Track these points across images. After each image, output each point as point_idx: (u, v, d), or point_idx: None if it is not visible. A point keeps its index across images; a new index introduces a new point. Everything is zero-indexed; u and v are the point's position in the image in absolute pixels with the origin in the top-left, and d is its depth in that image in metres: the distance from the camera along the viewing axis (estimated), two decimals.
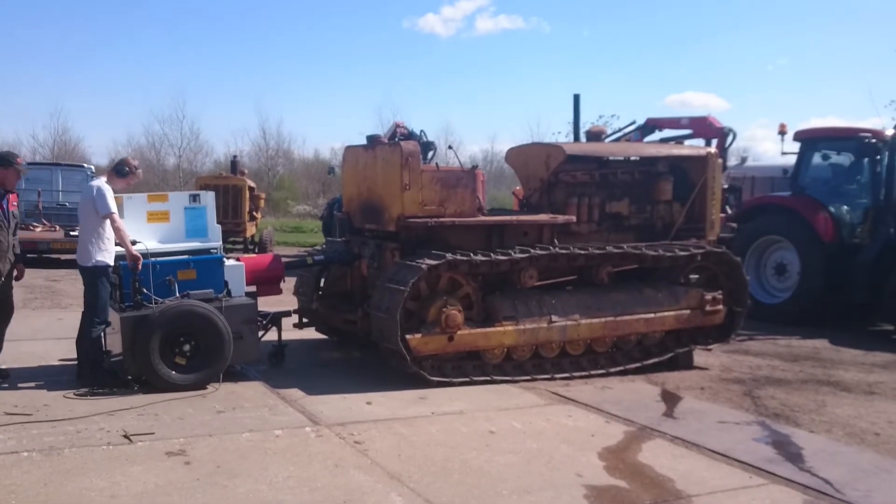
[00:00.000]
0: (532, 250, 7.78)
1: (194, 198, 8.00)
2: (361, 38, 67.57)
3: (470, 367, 7.61)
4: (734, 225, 13.05)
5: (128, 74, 64.78)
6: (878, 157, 11.59)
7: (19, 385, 7.05)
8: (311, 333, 9.17)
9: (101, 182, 7.19)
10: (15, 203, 7.36)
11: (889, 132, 11.66)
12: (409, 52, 69.31)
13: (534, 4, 69.71)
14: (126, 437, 5.64)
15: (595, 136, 10.37)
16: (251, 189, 20.97)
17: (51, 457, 5.23)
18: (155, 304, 7.00)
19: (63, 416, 6.11)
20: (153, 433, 5.74)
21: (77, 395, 6.73)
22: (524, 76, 67.37)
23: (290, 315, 8.62)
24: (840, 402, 7.45)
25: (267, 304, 8.17)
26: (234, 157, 24.35)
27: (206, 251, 7.68)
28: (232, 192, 19.96)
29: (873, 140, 11.58)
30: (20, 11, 61.69)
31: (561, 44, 67.03)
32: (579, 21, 68.38)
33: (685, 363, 8.62)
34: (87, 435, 5.68)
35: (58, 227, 17.70)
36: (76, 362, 7.38)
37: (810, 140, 12.52)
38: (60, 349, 8.30)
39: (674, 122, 14.92)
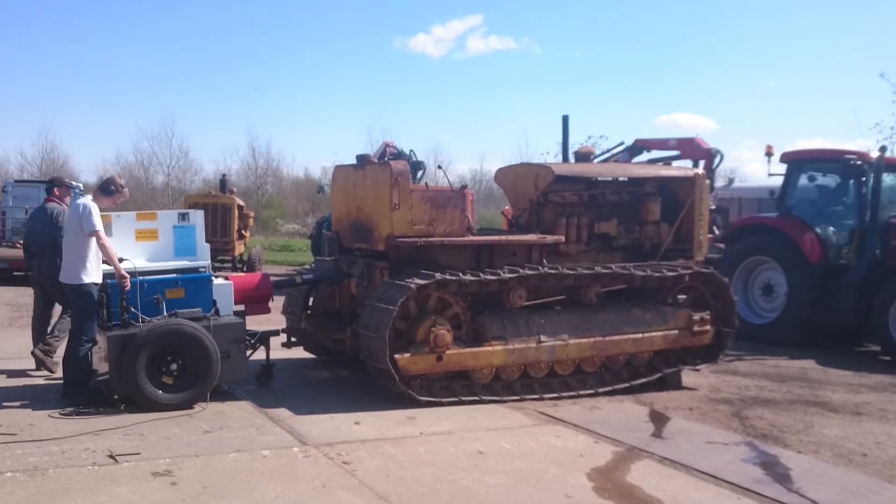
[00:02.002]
0: (521, 270, 7.80)
1: (183, 216, 7.99)
2: (352, 58, 67.79)
3: (459, 387, 7.59)
4: (722, 246, 13.12)
5: (116, 92, 64.70)
6: (864, 178, 11.69)
7: (4, 404, 6.99)
8: (299, 353, 9.14)
9: (87, 200, 7.17)
10: None
11: (874, 154, 11.77)
12: (400, 72, 69.56)
13: (525, 26, 70.12)
14: (111, 457, 5.59)
15: (584, 156, 10.43)
16: (240, 207, 20.94)
17: (35, 477, 5.18)
18: (142, 322, 6.97)
19: (48, 435, 6.06)
20: (139, 453, 5.69)
21: (62, 414, 6.68)
22: (514, 97, 67.73)
23: (279, 334, 8.59)
24: (828, 422, 7.47)
25: (255, 324, 8.14)
26: (224, 175, 24.40)
27: (195, 270, 7.66)
28: (221, 210, 19.93)
29: (859, 162, 11.70)
30: (8, 29, 61.70)
31: (552, 65, 67.51)
32: (571, 42, 68.94)
33: (673, 383, 8.63)
34: (72, 455, 5.63)
35: None
36: (62, 381, 7.32)
37: (796, 162, 12.63)
38: None
39: (662, 144, 15.04)
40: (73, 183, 21.56)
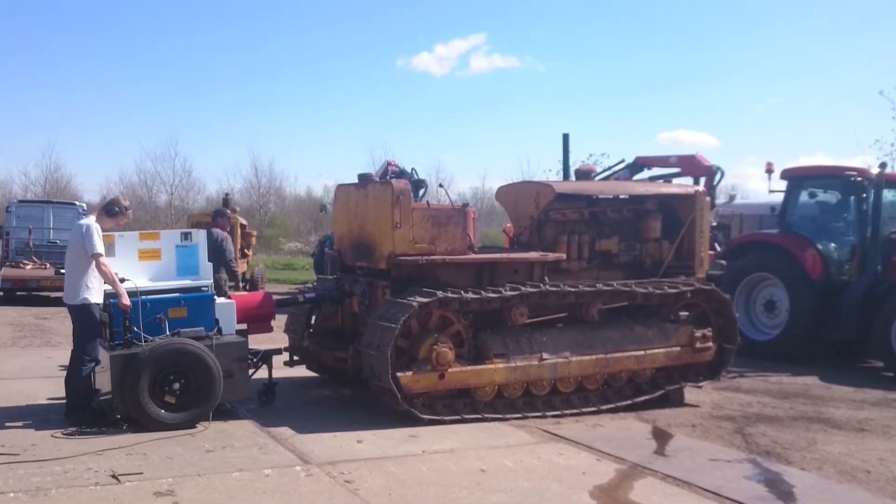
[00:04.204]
0: (522, 288, 7.82)
1: (186, 236, 8.02)
2: (355, 77, 68.04)
3: (461, 405, 7.59)
4: (723, 262, 13.13)
5: (120, 112, 65.00)
6: (864, 195, 11.72)
7: (6, 424, 6.99)
8: (301, 371, 9.14)
9: (91, 221, 7.19)
10: None
11: (874, 170, 11.81)
12: (403, 90, 69.72)
13: (529, 45, 70.33)
14: (114, 476, 5.59)
15: (584, 174, 10.48)
16: (243, 226, 20.99)
17: (37, 497, 5.17)
18: (145, 342, 6.98)
19: (50, 455, 6.06)
20: (141, 473, 5.69)
21: (65, 434, 6.69)
22: (516, 115, 67.88)
23: (281, 353, 8.60)
24: (831, 439, 7.46)
25: (258, 342, 8.15)
26: (226, 194, 24.43)
27: (197, 289, 7.68)
28: None
29: (859, 178, 11.72)
30: (12, 49, 62.10)
31: (554, 83, 67.51)
32: (574, 61, 68.90)
33: (676, 400, 8.63)
34: (75, 475, 5.62)
35: (48, 265, 17.65)
36: (65, 401, 7.32)
37: (797, 178, 12.67)
38: (49, 388, 8.25)
39: (662, 161, 15.09)
40: (77, 203, 21.71)
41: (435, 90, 69.67)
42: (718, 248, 13.96)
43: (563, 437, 7.14)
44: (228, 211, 11.56)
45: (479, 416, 7.56)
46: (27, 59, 62.73)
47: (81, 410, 7.07)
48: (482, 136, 68.22)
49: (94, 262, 7.05)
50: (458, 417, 7.46)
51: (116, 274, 7.25)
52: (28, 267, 17.76)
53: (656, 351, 8.38)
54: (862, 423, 8.14)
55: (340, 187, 9.01)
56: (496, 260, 8.23)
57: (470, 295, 7.53)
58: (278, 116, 66.96)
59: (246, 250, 21.30)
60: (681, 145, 65.21)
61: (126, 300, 6.96)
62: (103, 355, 7.15)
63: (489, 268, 8.14)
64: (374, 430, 7.07)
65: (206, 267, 7.94)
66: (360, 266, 8.43)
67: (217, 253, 10.43)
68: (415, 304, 7.22)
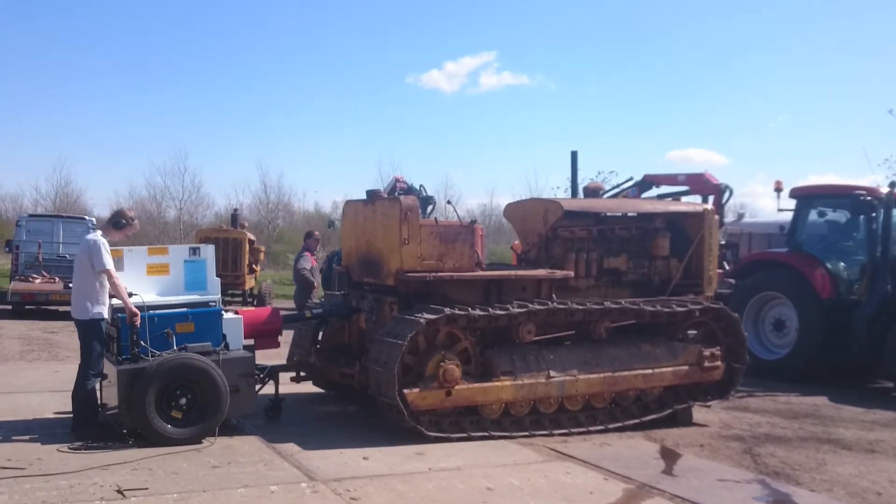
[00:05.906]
0: (530, 305, 7.80)
1: (194, 251, 8.04)
2: (365, 94, 68.34)
3: (468, 423, 7.56)
4: (732, 281, 13.08)
5: (130, 127, 65.30)
6: (874, 214, 11.67)
7: (13, 438, 7.00)
8: (308, 387, 9.13)
9: (98, 236, 7.21)
10: None
11: (884, 190, 11.77)
12: (413, 107, 69.93)
13: (539, 62, 70.50)
14: (119, 492, 5.58)
15: (593, 192, 10.50)
16: (251, 242, 21.09)
17: None
18: (152, 356, 6.99)
19: (56, 470, 6.05)
20: (147, 488, 5.68)
21: (71, 448, 6.68)
22: (525, 132, 67.97)
23: (288, 369, 8.59)
24: (841, 460, 7.39)
25: (264, 358, 8.14)
26: (235, 209, 24.62)
27: (205, 304, 7.69)
28: (232, 244, 20.09)
29: (868, 197, 11.68)
30: (24, 64, 62.70)
31: (564, 101, 67.67)
32: (584, 79, 69.03)
33: (684, 420, 8.57)
34: (80, 490, 5.62)
35: (57, 279, 17.71)
36: (71, 415, 7.32)
37: (806, 197, 12.64)
38: (56, 402, 8.26)
39: (671, 179, 15.09)
40: (86, 217, 21.81)
41: (444, 107, 69.90)
42: (727, 267, 13.92)
43: (571, 455, 7.10)
44: (316, 233, 12.35)
45: (486, 433, 7.52)
46: (38, 74, 63.33)
47: (88, 425, 7.07)
48: (491, 152, 68.31)
49: (100, 277, 7.06)
50: (464, 435, 7.43)
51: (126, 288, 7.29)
52: (37, 281, 17.83)
53: (664, 369, 8.34)
54: (872, 444, 8.07)
55: (349, 203, 9.03)
56: (504, 277, 8.22)
57: (477, 312, 7.52)
58: (287, 132, 67.24)
59: (254, 266, 21.37)
60: (690, 163, 65.01)
61: (136, 315, 6.97)
62: (110, 370, 7.15)
63: (497, 285, 8.12)
64: (380, 447, 7.04)
65: (214, 282, 7.96)
66: (367, 282, 8.43)
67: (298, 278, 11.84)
68: (422, 320, 7.21)
